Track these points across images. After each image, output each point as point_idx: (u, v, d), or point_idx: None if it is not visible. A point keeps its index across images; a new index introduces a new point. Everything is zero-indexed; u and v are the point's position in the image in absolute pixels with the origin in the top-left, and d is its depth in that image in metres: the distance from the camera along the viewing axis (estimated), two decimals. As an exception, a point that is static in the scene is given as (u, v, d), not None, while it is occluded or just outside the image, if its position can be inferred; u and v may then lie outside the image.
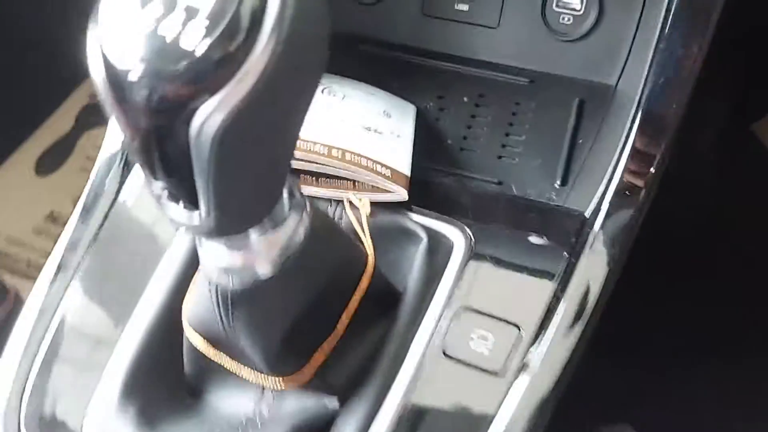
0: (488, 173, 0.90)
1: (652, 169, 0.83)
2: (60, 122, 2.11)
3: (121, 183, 0.91)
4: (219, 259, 0.63)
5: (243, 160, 0.51)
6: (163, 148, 0.51)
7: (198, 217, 0.54)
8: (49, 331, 0.85)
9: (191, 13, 0.47)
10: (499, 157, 0.91)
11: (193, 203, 0.53)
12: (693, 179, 1.26)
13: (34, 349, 0.84)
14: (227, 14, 0.47)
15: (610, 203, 0.82)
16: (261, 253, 0.62)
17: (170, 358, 0.78)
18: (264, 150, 0.54)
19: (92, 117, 2.08)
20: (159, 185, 0.54)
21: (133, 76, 0.48)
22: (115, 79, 0.49)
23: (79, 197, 0.91)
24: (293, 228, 0.63)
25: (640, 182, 0.83)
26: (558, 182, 0.88)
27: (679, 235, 1.25)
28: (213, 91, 0.47)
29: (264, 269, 0.63)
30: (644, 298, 1.13)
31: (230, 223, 0.56)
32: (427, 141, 0.92)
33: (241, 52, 0.47)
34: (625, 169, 0.83)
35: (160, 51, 0.47)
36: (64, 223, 0.91)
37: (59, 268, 0.87)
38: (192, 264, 0.79)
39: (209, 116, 0.48)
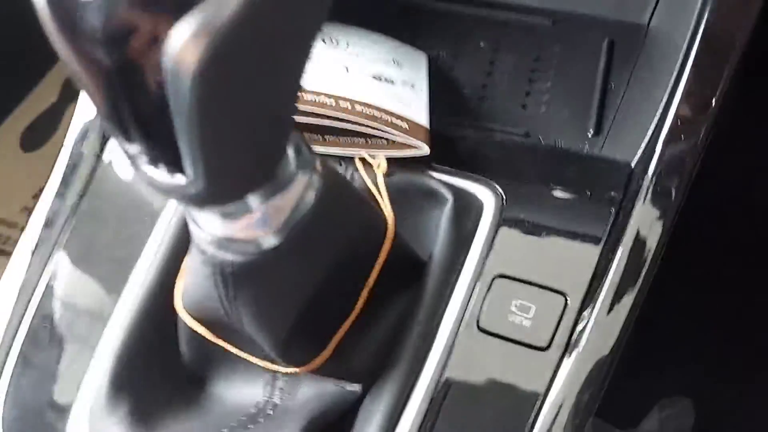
0: (513, 124, 0.84)
1: (711, 103, 0.76)
2: (45, 94, 2.03)
3: (102, 146, 0.84)
4: (213, 230, 0.55)
5: (234, 103, 0.42)
6: (133, 95, 0.40)
7: (183, 182, 0.45)
8: (25, 320, 0.80)
9: None
10: (524, 107, 0.86)
11: (176, 165, 0.44)
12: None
13: (8, 342, 0.79)
14: None
15: (662, 149, 0.75)
16: (263, 220, 0.54)
17: (164, 343, 0.73)
18: (261, 89, 0.44)
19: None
20: (134, 147, 0.45)
21: None
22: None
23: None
24: (301, 191, 0.56)
25: (697, 121, 0.76)
26: (591, 131, 0.82)
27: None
28: (189, 6, 0.37)
29: (268, 239, 0.56)
30: (694, 257, 1.05)
31: (223, 187, 0.48)
32: (443, 92, 0.86)
33: None
34: (678, 110, 0.76)
35: None
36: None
37: (37, 246, 0.82)
38: (186, 234, 0.72)
39: (187, 42, 0.37)
